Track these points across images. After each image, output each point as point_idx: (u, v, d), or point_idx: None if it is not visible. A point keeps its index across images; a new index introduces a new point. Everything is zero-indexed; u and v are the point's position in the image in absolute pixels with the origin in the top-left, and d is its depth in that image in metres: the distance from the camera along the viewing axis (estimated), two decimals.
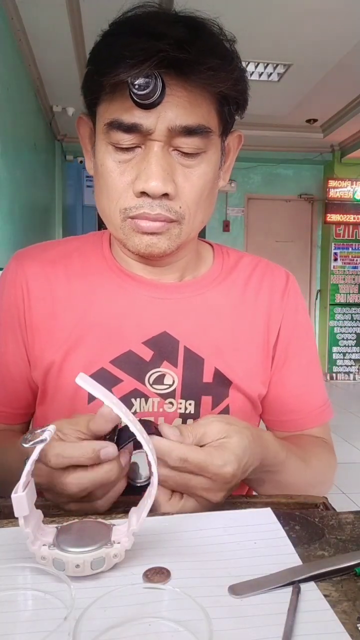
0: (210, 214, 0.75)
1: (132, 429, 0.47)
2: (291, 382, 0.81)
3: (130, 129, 0.63)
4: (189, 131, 0.64)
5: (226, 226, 6.57)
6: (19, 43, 3.46)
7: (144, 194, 0.65)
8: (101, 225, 0.85)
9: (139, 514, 0.45)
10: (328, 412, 0.84)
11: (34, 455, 0.44)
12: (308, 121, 5.63)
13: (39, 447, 0.44)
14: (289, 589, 0.40)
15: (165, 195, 0.65)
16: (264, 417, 0.84)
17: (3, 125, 3.01)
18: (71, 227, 6.26)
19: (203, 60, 0.60)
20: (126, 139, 0.64)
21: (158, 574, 0.42)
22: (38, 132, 4.59)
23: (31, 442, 0.44)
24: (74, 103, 4.71)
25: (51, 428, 0.46)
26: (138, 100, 0.60)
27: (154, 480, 0.46)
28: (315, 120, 5.62)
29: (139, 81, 0.58)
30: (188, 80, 0.62)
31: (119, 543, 0.44)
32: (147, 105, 0.60)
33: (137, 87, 0.59)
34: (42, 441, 0.44)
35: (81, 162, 5.97)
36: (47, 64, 3.93)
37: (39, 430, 0.45)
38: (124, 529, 0.46)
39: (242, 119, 0.74)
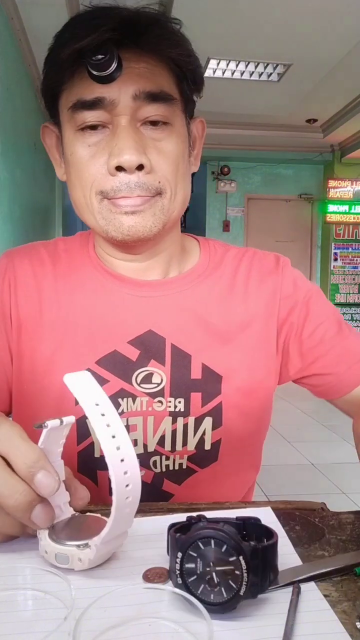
0: (188, 195, 0.73)
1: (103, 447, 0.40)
2: (319, 344, 0.78)
3: (94, 104, 0.63)
4: (152, 97, 0.64)
5: (226, 226, 6.58)
6: (19, 43, 3.46)
7: (119, 169, 0.64)
8: None
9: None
10: None
11: (40, 440, 0.43)
12: (308, 121, 5.63)
13: (44, 432, 0.43)
14: (289, 589, 0.40)
15: (141, 167, 0.64)
16: (319, 388, 0.81)
17: (3, 125, 3.01)
18: (71, 227, 6.26)
19: (155, 30, 0.63)
20: (92, 116, 0.64)
21: (158, 575, 0.42)
22: (38, 132, 4.58)
23: (37, 425, 0.43)
24: None
25: (68, 419, 0.44)
26: (96, 72, 0.60)
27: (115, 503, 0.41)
28: (315, 120, 5.62)
29: (95, 52, 0.58)
30: (142, 51, 0.63)
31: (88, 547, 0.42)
32: (106, 77, 0.60)
33: (93, 57, 0.58)
34: (41, 426, 0.43)
35: None
36: None
37: (54, 419, 0.43)
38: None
39: (200, 97, 0.74)
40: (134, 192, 0.65)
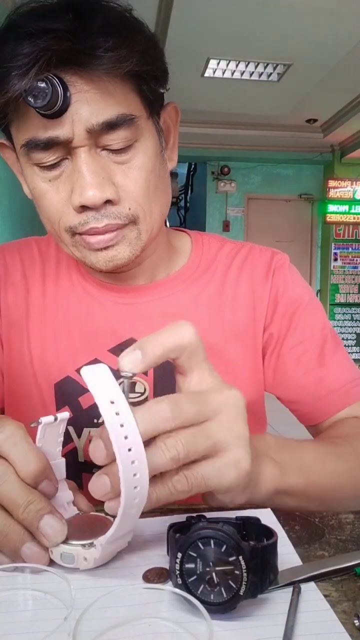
0: (167, 203, 0.68)
1: (116, 452, 0.38)
2: (295, 365, 0.74)
3: (48, 144, 0.57)
4: (110, 125, 0.57)
5: (226, 226, 6.58)
6: None
7: (84, 207, 0.59)
8: None
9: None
10: (353, 392, 0.74)
11: (37, 437, 0.43)
12: (308, 121, 5.63)
13: (39, 428, 0.43)
14: (289, 589, 0.40)
15: (108, 201, 0.59)
16: (293, 412, 0.79)
17: None
18: None
19: (97, 43, 0.53)
20: (48, 156, 0.58)
21: (158, 575, 0.42)
22: None
23: (33, 423, 0.43)
24: None
25: (62, 415, 0.44)
26: (42, 112, 0.54)
27: (121, 505, 0.40)
28: (315, 120, 5.63)
29: (34, 91, 0.52)
30: (90, 71, 0.54)
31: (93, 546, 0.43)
32: (54, 114, 0.54)
33: (34, 99, 0.52)
34: (37, 422, 0.43)
35: None
36: None
37: (48, 416, 0.44)
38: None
39: (167, 90, 0.65)
40: (102, 222, 0.60)
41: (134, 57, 0.55)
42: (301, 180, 6.70)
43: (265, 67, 4.33)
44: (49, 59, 0.51)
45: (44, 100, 0.52)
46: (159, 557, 0.45)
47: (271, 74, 4.45)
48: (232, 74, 4.49)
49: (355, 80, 4.45)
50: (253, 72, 4.44)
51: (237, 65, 4.32)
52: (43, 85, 0.52)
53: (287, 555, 0.46)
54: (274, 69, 4.35)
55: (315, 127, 5.80)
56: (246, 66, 4.32)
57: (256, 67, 4.33)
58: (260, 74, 4.47)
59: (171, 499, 0.42)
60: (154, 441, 0.41)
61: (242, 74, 4.48)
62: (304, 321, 0.76)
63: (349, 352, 5.42)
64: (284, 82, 4.58)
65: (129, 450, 0.38)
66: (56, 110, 0.54)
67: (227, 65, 4.31)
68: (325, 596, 0.40)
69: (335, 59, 4.05)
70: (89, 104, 0.56)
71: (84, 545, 0.42)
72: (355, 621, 0.37)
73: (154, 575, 0.42)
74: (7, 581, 0.38)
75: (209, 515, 0.43)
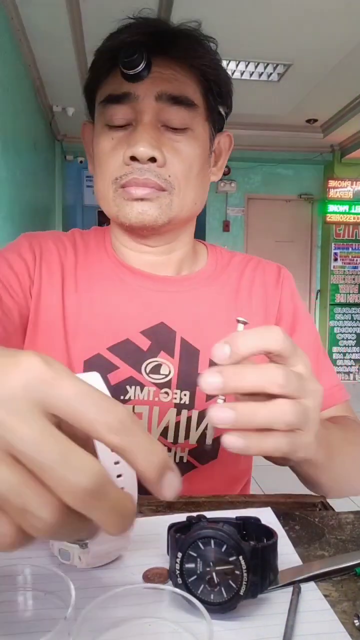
0: (202, 199, 0.77)
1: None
2: None
3: (122, 98, 0.69)
4: (175, 100, 0.69)
5: (226, 226, 6.57)
6: (19, 43, 3.46)
7: (133, 159, 0.69)
8: (101, 225, 0.86)
9: None
10: (340, 394, 0.80)
11: None
12: (308, 121, 5.63)
13: None
14: (289, 589, 0.40)
15: (154, 160, 0.69)
16: None
17: (3, 125, 3.01)
18: (71, 227, 6.23)
19: (182, 40, 0.71)
20: (118, 112, 0.70)
21: (158, 575, 0.42)
22: (38, 132, 4.59)
23: None
24: (74, 103, 4.70)
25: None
26: (126, 71, 0.65)
27: None
28: (315, 120, 5.62)
29: (126, 51, 0.65)
30: (171, 59, 0.70)
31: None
32: (134, 76, 0.66)
33: (124, 55, 0.65)
34: None
35: (81, 162, 5.98)
36: (47, 64, 3.93)
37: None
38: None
39: (226, 117, 0.78)
40: (144, 175, 0.69)
41: (210, 63, 0.72)
42: (301, 180, 6.69)
43: (265, 67, 4.33)
44: (144, 33, 0.68)
45: (130, 57, 0.64)
46: (159, 557, 0.45)
47: (271, 74, 4.45)
48: (232, 73, 4.48)
49: (355, 80, 4.44)
50: (253, 72, 4.43)
51: (237, 65, 4.31)
52: (134, 50, 0.64)
53: (287, 555, 0.46)
54: (274, 69, 4.34)
55: (315, 127, 5.80)
56: (246, 66, 4.32)
57: (256, 67, 4.32)
58: (260, 74, 4.47)
59: (257, 452, 0.42)
60: (276, 399, 0.41)
61: (242, 74, 4.47)
62: (300, 331, 0.82)
63: (349, 352, 5.41)
64: (284, 82, 4.57)
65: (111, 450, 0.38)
66: (137, 73, 0.66)
67: (227, 65, 4.31)
68: (325, 596, 0.40)
69: (335, 59, 4.05)
70: (164, 80, 0.69)
71: (79, 545, 0.42)
72: (355, 621, 0.37)
73: (154, 575, 0.42)
74: (7, 581, 0.38)
75: (209, 515, 0.43)
